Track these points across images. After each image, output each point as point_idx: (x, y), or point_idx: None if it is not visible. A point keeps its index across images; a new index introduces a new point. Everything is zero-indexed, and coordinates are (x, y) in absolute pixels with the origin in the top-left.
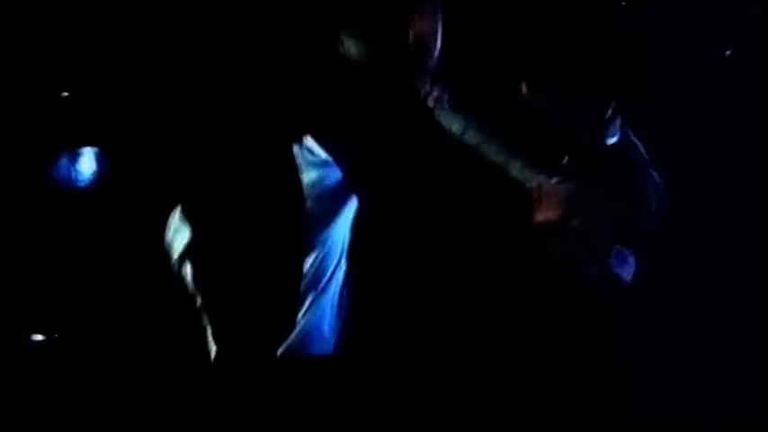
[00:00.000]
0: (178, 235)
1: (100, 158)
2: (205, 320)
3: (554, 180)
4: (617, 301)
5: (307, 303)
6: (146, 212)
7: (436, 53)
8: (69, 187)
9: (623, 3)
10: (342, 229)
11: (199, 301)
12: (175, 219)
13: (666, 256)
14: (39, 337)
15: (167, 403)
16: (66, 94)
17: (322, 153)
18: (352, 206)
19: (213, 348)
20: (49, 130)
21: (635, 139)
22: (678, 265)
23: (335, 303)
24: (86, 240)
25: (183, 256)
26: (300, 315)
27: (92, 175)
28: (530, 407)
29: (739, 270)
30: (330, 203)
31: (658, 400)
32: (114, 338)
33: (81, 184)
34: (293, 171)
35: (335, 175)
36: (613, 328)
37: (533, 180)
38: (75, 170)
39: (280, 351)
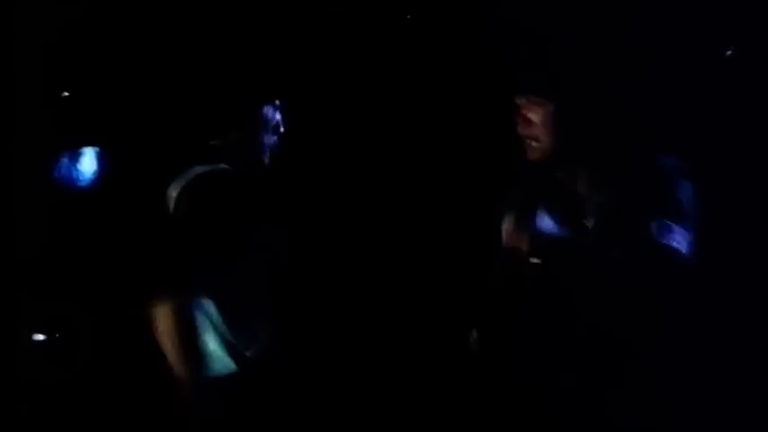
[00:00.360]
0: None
1: (100, 158)
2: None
3: None
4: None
5: None
6: (145, 212)
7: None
8: (70, 187)
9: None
10: None
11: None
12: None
13: (667, 257)
14: (39, 337)
15: (167, 403)
16: (66, 93)
17: None
18: None
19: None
20: (49, 130)
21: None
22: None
23: None
24: (86, 240)
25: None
26: None
27: (92, 174)
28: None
29: (740, 270)
30: None
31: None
32: (115, 338)
33: (81, 184)
34: None
35: None
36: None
37: None
38: (76, 170)
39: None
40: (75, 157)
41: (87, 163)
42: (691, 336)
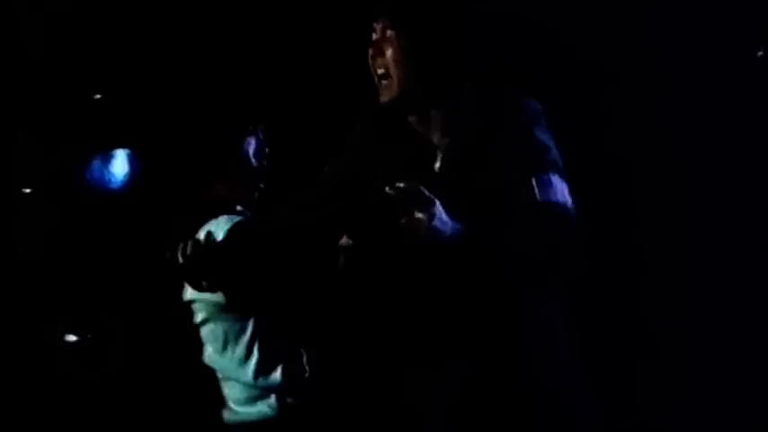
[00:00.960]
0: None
1: (132, 160)
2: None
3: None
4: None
5: None
6: (177, 214)
7: None
8: (102, 189)
9: None
10: None
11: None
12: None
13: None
14: (72, 338)
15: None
16: (98, 96)
17: None
18: None
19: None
20: (81, 132)
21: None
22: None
23: None
24: (118, 243)
25: None
26: None
27: (124, 176)
28: None
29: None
30: None
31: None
32: (145, 340)
33: (114, 186)
34: None
35: None
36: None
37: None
38: (108, 172)
39: None
40: (108, 159)
41: (120, 165)
42: None
